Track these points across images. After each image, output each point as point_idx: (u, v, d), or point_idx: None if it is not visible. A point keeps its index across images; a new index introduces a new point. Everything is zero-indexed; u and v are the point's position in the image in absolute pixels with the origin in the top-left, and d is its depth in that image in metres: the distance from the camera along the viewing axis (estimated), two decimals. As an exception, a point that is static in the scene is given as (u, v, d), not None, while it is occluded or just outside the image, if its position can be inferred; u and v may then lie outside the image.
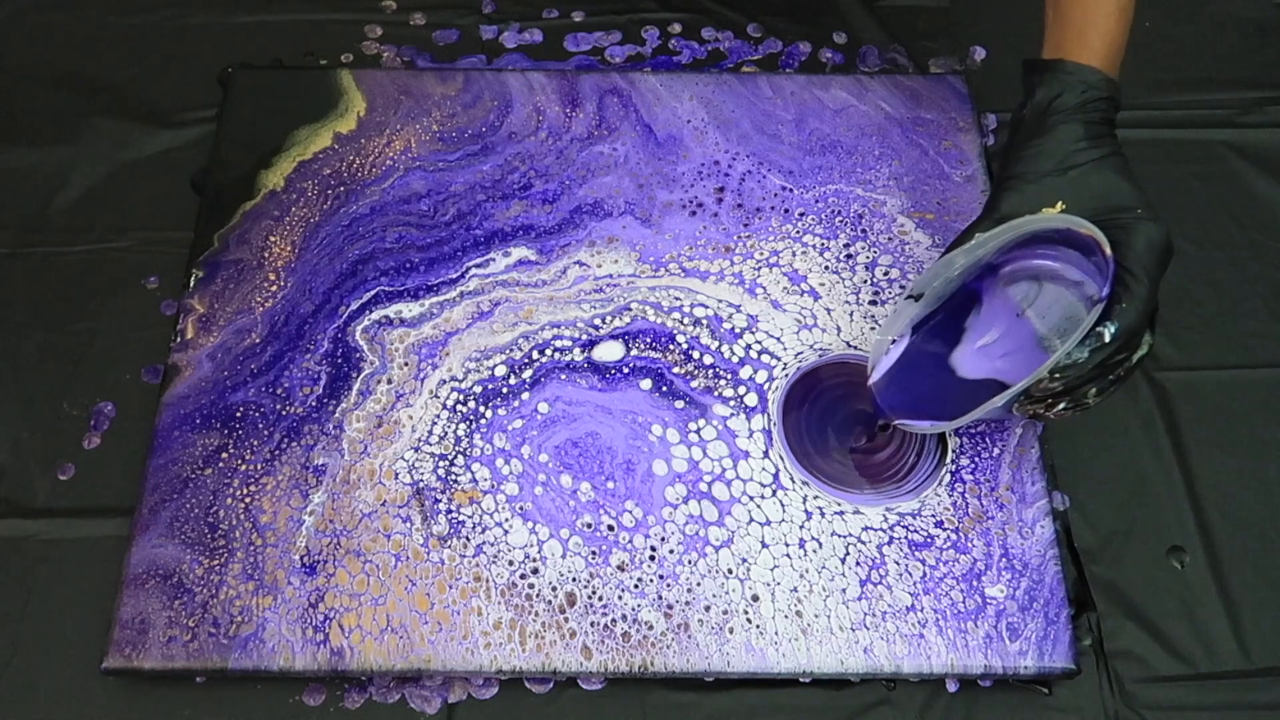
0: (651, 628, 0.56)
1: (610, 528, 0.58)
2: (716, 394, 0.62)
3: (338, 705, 0.56)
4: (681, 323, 0.65)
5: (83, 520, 0.61)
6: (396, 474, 0.60)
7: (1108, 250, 0.50)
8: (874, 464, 0.60)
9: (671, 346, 0.64)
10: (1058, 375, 0.50)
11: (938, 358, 0.59)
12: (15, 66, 0.76)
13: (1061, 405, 0.52)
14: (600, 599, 0.57)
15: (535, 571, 0.57)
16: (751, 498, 0.59)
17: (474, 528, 0.58)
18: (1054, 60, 0.55)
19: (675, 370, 0.63)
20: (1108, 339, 0.49)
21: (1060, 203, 0.52)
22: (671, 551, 0.58)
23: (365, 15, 0.79)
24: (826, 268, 0.67)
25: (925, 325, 0.59)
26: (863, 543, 0.58)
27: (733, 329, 0.64)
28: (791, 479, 0.60)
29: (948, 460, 0.60)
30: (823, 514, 0.59)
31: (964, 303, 0.59)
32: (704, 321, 0.65)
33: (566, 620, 0.56)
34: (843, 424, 0.62)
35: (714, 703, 0.57)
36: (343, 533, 0.58)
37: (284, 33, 0.78)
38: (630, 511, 0.59)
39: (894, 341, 0.59)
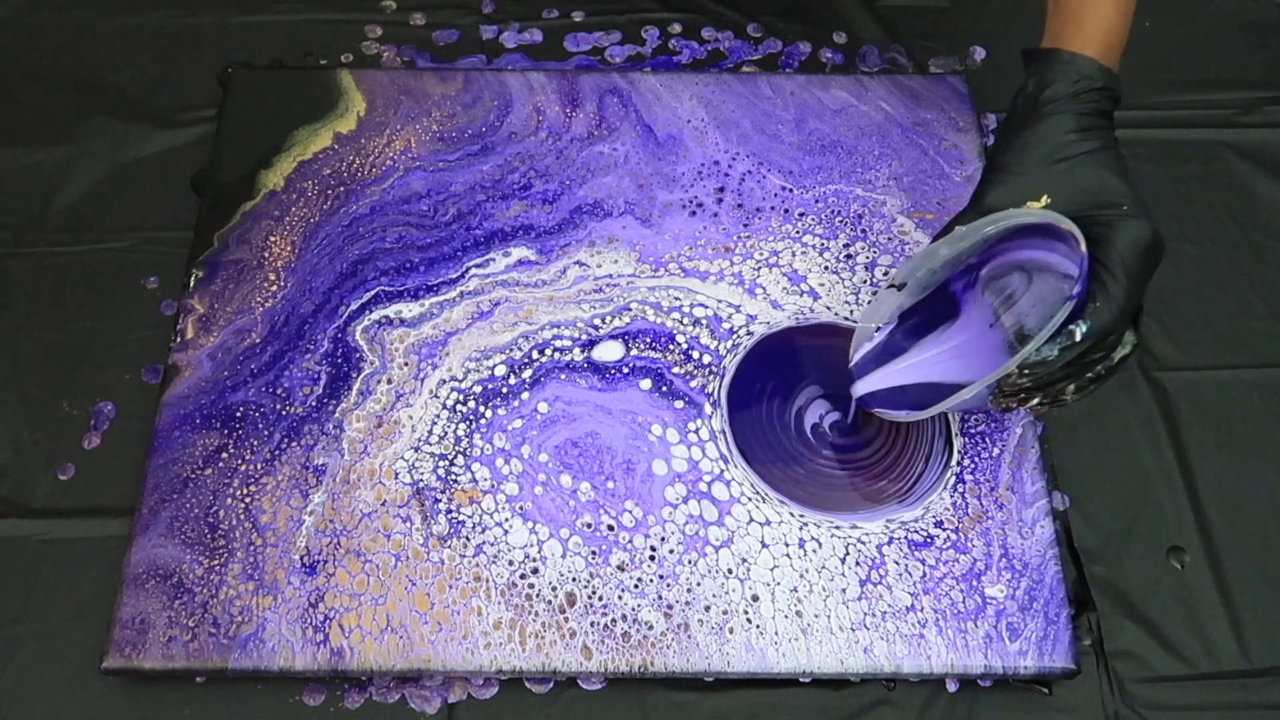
0: (651, 628, 0.56)
1: (610, 527, 0.58)
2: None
3: (338, 705, 0.56)
4: (681, 323, 0.65)
5: (83, 520, 0.61)
6: (396, 474, 0.60)
7: (1083, 247, 0.49)
8: (877, 486, 0.60)
9: (671, 346, 0.64)
10: (1027, 371, 0.49)
11: (910, 349, 0.59)
12: (15, 66, 0.76)
13: (1036, 400, 0.51)
14: (600, 599, 0.57)
15: (535, 571, 0.57)
16: (750, 498, 0.59)
17: (474, 528, 0.58)
18: (1050, 49, 0.54)
19: (675, 370, 0.63)
20: (1078, 338, 0.48)
21: (1045, 196, 0.51)
22: (671, 551, 0.58)
23: (365, 15, 0.79)
24: (826, 268, 0.67)
25: (906, 320, 0.59)
26: (862, 543, 0.58)
27: (732, 329, 0.64)
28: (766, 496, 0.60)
29: (953, 463, 0.60)
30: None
31: (944, 309, 0.58)
32: (704, 321, 0.65)
33: (566, 620, 0.56)
34: (809, 421, 0.62)
35: (714, 703, 0.57)
36: (343, 533, 0.58)
37: (284, 33, 0.78)
38: (630, 511, 0.59)
39: (878, 329, 0.59)
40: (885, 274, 0.66)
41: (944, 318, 0.58)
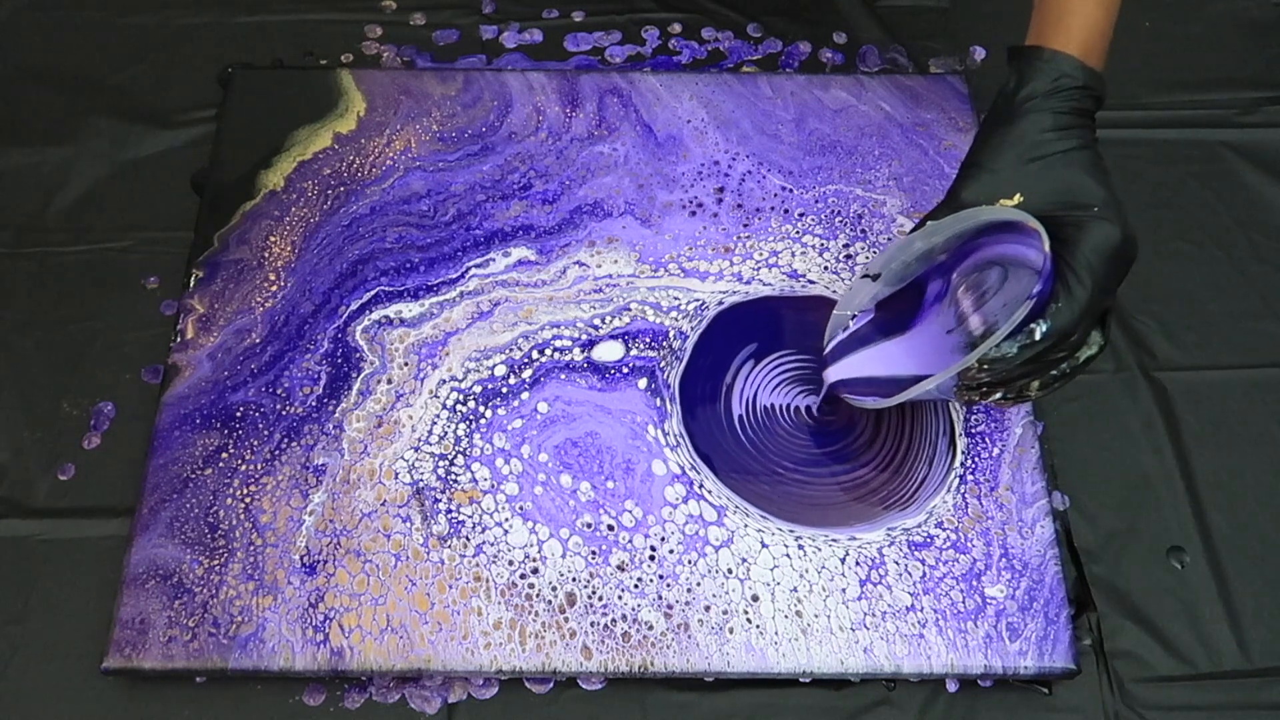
0: (651, 628, 0.56)
1: (610, 527, 0.58)
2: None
3: (338, 705, 0.56)
4: (680, 322, 0.65)
5: (83, 520, 0.61)
6: (396, 474, 0.60)
7: (1046, 247, 0.49)
8: (880, 495, 0.60)
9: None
10: (986, 366, 0.50)
11: (874, 343, 0.60)
12: (15, 66, 0.76)
13: (998, 395, 0.51)
14: (600, 599, 0.57)
15: (535, 571, 0.57)
16: (738, 508, 0.59)
17: (474, 528, 0.58)
18: (1031, 47, 0.54)
19: (661, 365, 0.63)
20: (1038, 337, 0.48)
21: (1018, 194, 0.51)
22: (671, 551, 0.58)
23: (365, 15, 0.79)
24: (826, 268, 0.67)
25: (882, 310, 0.60)
26: (863, 543, 0.58)
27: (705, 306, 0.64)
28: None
29: (956, 465, 0.60)
30: (823, 514, 0.59)
31: (914, 308, 0.59)
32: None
33: (566, 620, 0.56)
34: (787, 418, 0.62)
35: (714, 703, 0.57)
36: (343, 533, 0.58)
37: (284, 33, 0.78)
38: (630, 511, 0.59)
39: (854, 317, 0.60)
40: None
41: (913, 315, 0.59)
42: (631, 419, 0.61)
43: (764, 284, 0.66)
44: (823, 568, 0.57)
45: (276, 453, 0.60)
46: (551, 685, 0.57)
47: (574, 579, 0.57)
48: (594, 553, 0.58)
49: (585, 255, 0.67)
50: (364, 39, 0.78)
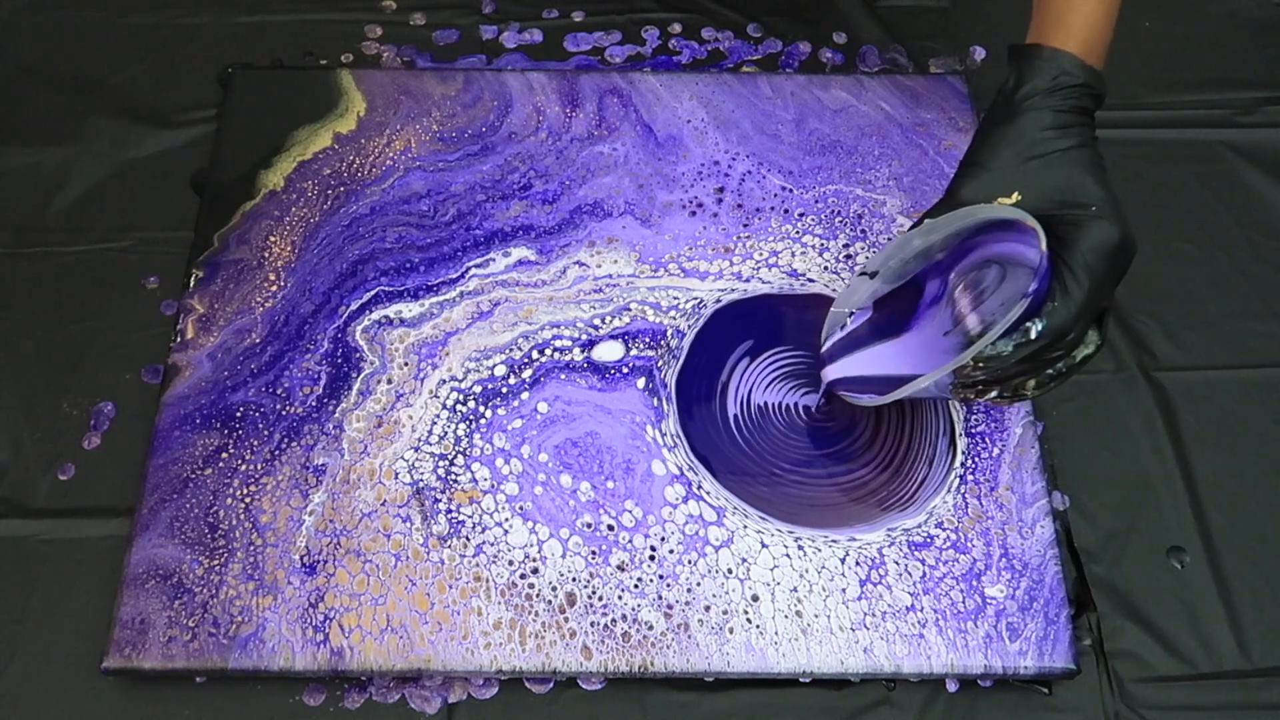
0: (651, 628, 0.56)
1: (610, 527, 0.58)
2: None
3: (338, 705, 0.56)
4: (680, 322, 0.65)
5: (83, 520, 0.61)
6: (396, 474, 0.60)
7: (1043, 246, 0.49)
8: (880, 496, 0.60)
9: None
10: (981, 364, 0.50)
11: (871, 343, 0.60)
12: (15, 66, 0.76)
13: (994, 393, 0.52)
14: (600, 599, 0.57)
15: (535, 571, 0.57)
16: (737, 509, 0.59)
17: (474, 528, 0.58)
18: (1030, 45, 0.53)
19: (658, 364, 0.63)
20: (1034, 336, 0.49)
21: (1016, 193, 0.51)
22: (671, 551, 0.58)
23: (365, 15, 0.79)
24: (826, 268, 0.67)
25: (880, 308, 0.60)
26: (863, 544, 0.58)
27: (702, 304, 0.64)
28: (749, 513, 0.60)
29: (957, 465, 0.60)
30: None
31: (911, 307, 0.59)
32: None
33: (566, 620, 0.56)
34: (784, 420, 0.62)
35: (714, 703, 0.57)
36: (343, 533, 0.58)
37: (284, 33, 0.78)
38: (630, 511, 0.59)
39: (851, 315, 0.60)
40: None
41: (911, 315, 0.59)
42: (631, 419, 0.61)
43: (764, 283, 0.66)
44: (823, 568, 0.57)
45: (276, 453, 0.60)
46: (551, 685, 0.57)
47: (574, 579, 0.57)
48: (594, 553, 0.58)
49: (585, 255, 0.67)
50: (364, 39, 0.78)
